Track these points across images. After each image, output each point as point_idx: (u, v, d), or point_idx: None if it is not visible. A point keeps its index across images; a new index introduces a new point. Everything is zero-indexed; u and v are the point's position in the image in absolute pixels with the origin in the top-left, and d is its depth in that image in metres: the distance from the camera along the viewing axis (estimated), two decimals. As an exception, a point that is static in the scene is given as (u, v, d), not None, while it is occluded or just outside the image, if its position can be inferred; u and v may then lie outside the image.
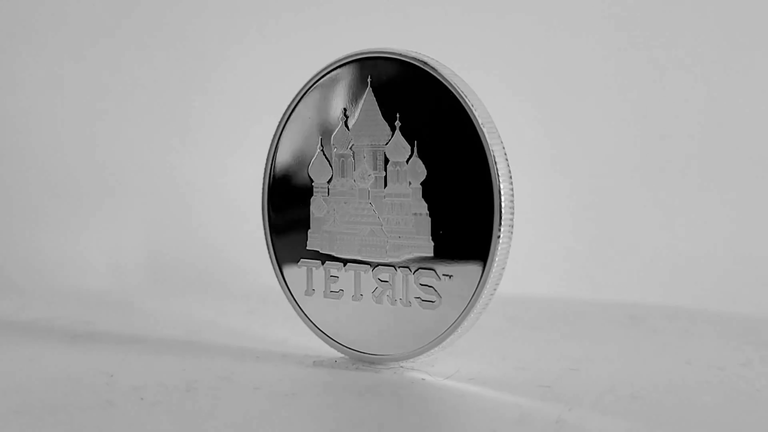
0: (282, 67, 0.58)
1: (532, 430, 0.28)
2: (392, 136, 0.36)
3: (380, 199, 0.36)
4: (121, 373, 0.35)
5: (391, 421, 0.29)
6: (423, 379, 0.35)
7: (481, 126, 0.33)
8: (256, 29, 0.64)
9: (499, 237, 0.33)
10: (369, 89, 0.36)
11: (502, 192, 0.33)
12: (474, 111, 0.33)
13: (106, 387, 0.33)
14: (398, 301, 0.35)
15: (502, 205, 0.33)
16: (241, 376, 0.35)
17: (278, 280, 0.39)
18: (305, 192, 0.38)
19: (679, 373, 0.35)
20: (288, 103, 0.39)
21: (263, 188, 0.39)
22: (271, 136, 0.39)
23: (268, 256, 0.40)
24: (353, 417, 0.30)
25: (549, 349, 0.39)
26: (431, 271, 0.35)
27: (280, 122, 0.39)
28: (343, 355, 0.37)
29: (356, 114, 0.37)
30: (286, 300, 0.39)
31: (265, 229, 0.39)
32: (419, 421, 0.29)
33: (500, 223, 0.33)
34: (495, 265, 0.33)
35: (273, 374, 0.35)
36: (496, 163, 0.33)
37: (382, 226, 0.36)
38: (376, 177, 0.36)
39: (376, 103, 0.36)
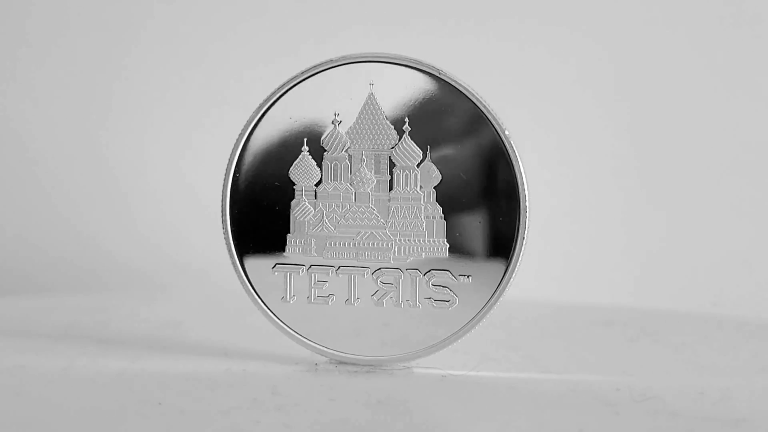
0: (272, 65, 0.53)
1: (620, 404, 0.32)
2: (399, 140, 0.36)
3: (384, 202, 0.37)
4: (162, 396, 0.32)
5: (475, 415, 0.31)
6: (443, 376, 0.36)
7: (504, 132, 0.35)
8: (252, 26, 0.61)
9: (524, 239, 0.36)
10: (371, 93, 0.36)
11: (527, 195, 0.36)
12: (495, 118, 0.36)
13: (182, 416, 0.30)
14: (404, 302, 0.36)
15: (527, 207, 0.36)
16: (278, 387, 0.33)
17: (245, 287, 0.37)
18: (281, 195, 0.37)
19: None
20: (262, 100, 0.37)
21: (224, 189, 0.37)
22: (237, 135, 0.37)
23: (231, 263, 0.38)
24: (414, 419, 0.31)
25: (525, 342, 0.42)
26: (446, 272, 0.36)
27: (249, 121, 0.37)
28: (325, 358, 0.37)
29: (354, 117, 0.36)
30: (255, 308, 0.38)
31: (226, 233, 0.37)
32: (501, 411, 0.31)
33: (526, 226, 0.36)
34: (518, 265, 0.36)
35: (301, 383, 0.34)
36: (521, 168, 0.36)
37: (386, 229, 0.36)
38: (378, 180, 0.37)
39: (380, 107, 0.36)
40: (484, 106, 0.35)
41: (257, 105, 0.37)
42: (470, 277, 0.36)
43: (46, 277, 0.61)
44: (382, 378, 0.35)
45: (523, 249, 0.36)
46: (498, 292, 0.36)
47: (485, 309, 0.36)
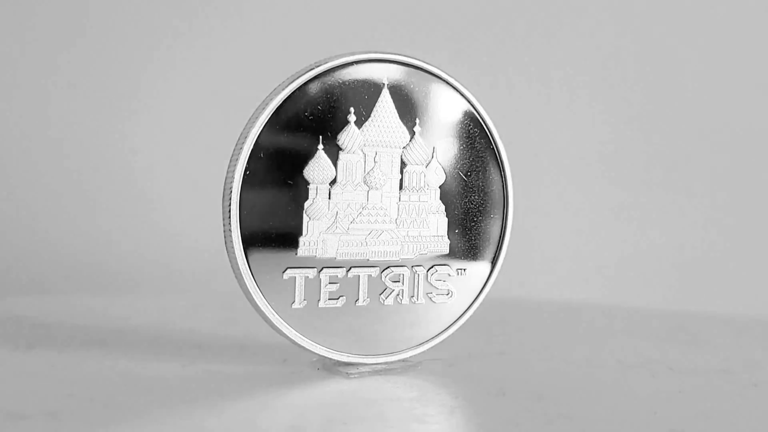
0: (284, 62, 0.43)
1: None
2: (411, 140, 0.38)
3: (395, 201, 0.38)
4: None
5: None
6: (451, 365, 0.39)
7: (498, 142, 0.39)
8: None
9: (508, 235, 0.40)
10: (385, 92, 0.37)
11: (512, 202, 0.40)
12: (491, 127, 0.39)
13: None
14: (410, 299, 0.38)
15: (512, 211, 0.40)
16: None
17: (252, 293, 0.36)
18: (294, 194, 0.36)
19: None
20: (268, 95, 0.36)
21: (232, 190, 0.35)
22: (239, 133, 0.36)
23: (235, 268, 0.36)
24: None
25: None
26: (446, 266, 0.39)
27: (255, 116, 0.36)
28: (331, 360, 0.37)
29: (369, 116, 0.37)
30: (261, 314, 0.36)
31: (234, 237, 0.35)
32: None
33: (510, 228, 0.40)
34: (502, 261, 0.40)
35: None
36: (508, 171, 0.40)
37: (395, 227, 0.38)
38: (390, 179, 0.38)
39: (394, 106, 0.37)
40: (482, 111, 0.38)
41: (270, 99, 0.35)
42: (465, 271, 0.38)
43: (54, 277, 0.56)
44: (399, 375, 0.36)
45: (506, 246, 0.39)
46: (486, 286, 0.39)
47: (476, 301, 0.38)
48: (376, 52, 0.36)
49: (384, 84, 0.36)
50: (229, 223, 0.34)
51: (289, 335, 0.35)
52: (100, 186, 0.60)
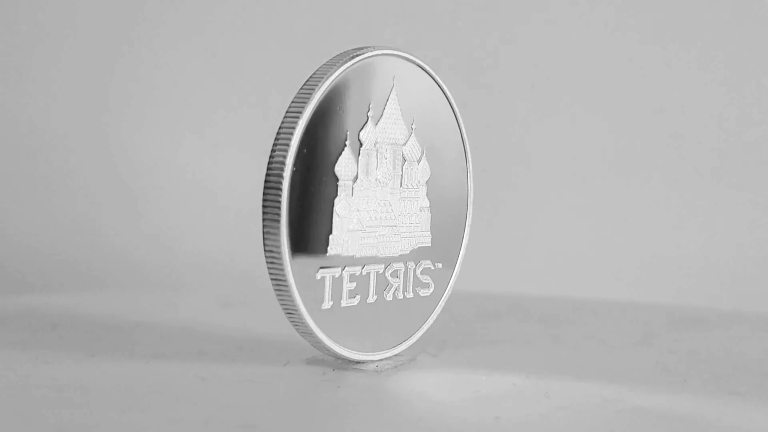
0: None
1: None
2: (409, 137, 0.39)
3: (397, 197, 0.39)
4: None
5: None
6: (435, 356, 0.41)
7: (464, 138, 0.42)
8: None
9: (467, 232, 0.43)
10: (394, 88, 0.38)
11: (472, 200, 0.42)
12: (460, 123, 0.41)
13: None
14: (404, 294, 0.40)
15: (471, 208, 0.43)
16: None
17: (295, 295, 0.35)
18: (326, 191, 0.36)
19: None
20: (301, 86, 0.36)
21: (281, 188, 0.35)
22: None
23: (276, 269, 0.35)
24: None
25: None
26: (428, 260, 0.41)
27: (299, 110, 0.35)
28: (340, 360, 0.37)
29: (382, 111, 0.38)
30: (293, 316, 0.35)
31: (282, 238, 0.35)
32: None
33: (469, 223, 0.43)
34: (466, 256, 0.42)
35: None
36: (470, 172, 0.42)
37: (397, 223, 0.39)
38: (394, 176, 0.39)
39: (399, 103, 0.39)
40: (455, 106, 0.40)
41: (310, 92, 0.35)
42: (441, 264, 0.40)
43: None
44: (413, 369, 0.38)
45: (467, 240, 0.42)
46: (452, 279, 0.41)
47: (446, 293, 0.41)
48: (389, 48, 0.36)
49: (393, 80, 0.36)
50: (278, 224, 0.33)
51: (320, 337, 0.35)
52: (132, 184, 0.52)
